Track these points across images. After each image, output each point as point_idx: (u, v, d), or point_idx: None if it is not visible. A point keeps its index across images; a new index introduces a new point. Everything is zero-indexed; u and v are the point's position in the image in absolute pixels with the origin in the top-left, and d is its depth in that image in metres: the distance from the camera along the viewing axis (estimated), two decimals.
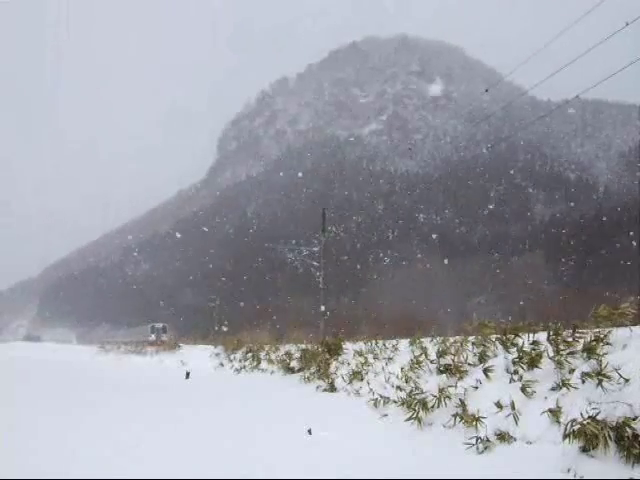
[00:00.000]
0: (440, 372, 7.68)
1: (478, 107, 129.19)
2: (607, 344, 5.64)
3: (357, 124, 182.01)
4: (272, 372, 16.21)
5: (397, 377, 8.93)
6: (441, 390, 7.22)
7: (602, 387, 5.12)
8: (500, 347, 7.46)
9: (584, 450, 4.69)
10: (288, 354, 16.09)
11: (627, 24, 10.19)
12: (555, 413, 5.33)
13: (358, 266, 74.46)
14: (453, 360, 7.83)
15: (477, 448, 5.75)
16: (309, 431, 7.14)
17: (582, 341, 6.03)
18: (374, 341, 12.47)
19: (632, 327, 6.07)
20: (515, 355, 6.70)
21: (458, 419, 6.46)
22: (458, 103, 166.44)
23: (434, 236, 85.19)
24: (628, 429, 4.44)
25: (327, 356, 12.97)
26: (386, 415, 8.08)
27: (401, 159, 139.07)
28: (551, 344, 6.37)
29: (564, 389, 5.61)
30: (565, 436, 4.90)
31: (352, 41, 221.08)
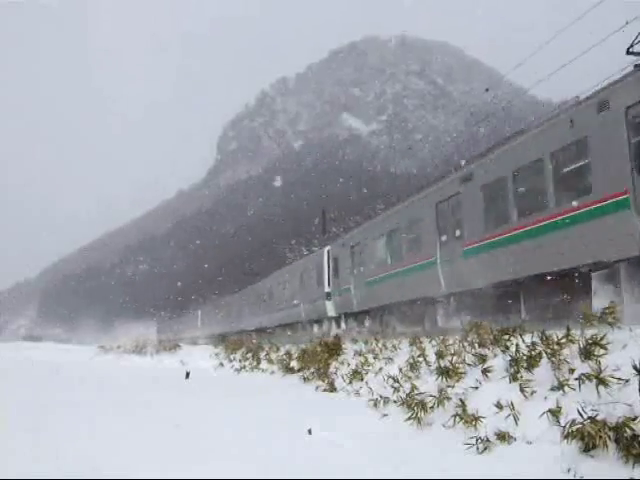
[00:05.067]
0: (439, 372, 7.67)
1: (478, 107, 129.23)
2: (603, 347, 5.64)
3: (357, 124, 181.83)
4: (272, 372, 16.21)
5: (396, 378, 8.93)
6: (440, 390, 7.23)
7: (598, 389, 5.12)
8: (498, 348, 7.45)
9: (584, 450, 4.69)
10: (288, 354, 16.09)
11: (627, 23, 10.21)
12: (555, 413, 5.32)
13: None
14: (452, 360, 7.82)
15: (477, 448, 5.75)
16: (309, 431, 7.13)
17: (579, 342, 6.01)
18: (374, 341, 12.48)
19: (632, 327, 6.08)
20: (513, 355, 6.69)
21: (458, 419, 6.46)
22: (458, 103, 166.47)
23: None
24: (627, 429, 4.44)
25: (327, 356, 12.97)
26: (386, 415, 8.08)
27: (401, 159, 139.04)
28: (544, 345, 6.36)
29: (563, 389, 5.60)
30: (565, 436, 4.90)
31: (352, 41, 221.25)
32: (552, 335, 6.46)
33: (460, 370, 7.48)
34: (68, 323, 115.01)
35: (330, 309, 20.82)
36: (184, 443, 6.67)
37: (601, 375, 5.20)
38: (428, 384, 7.87)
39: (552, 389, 5.77)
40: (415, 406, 7.23)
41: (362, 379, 10.56)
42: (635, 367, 4.81)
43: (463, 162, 14.24)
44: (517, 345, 6.85)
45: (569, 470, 4.68)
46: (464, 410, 6.48)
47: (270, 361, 17.30)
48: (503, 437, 5.72)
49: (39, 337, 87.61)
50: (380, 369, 10.31)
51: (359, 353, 12.09)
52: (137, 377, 17.51)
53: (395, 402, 8.24)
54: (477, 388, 6.80)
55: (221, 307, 40.04)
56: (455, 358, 7.90)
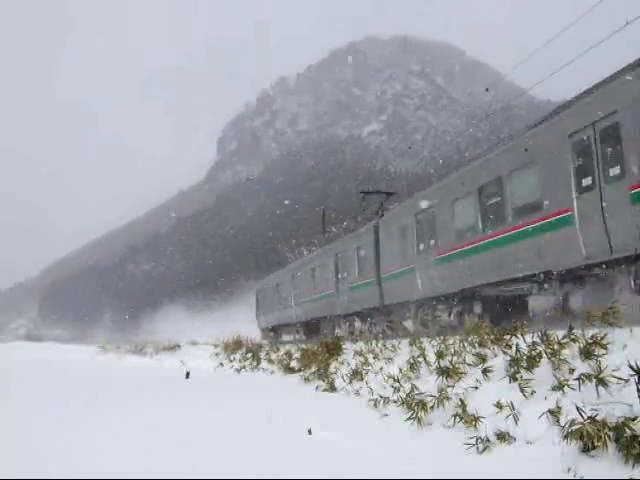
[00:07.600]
0: (439, 372, 7.67)
1: (478, 107, 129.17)
2: (604, 347, 5.63)
3: (357, 124, 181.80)
4: (272, 372, 16.20)
5: (396, 378, 8.92)
6: (440, 390, 7.22)
7: (598, 389, 5.12)
8: (498, 347, 7.45)
9: (584, 450, 4.69)
10: (288, 354, 16.09)
11: (627, 23, 10.20)
12: (555, 413, 5.32)
13: None
14: (452, 360, 7.82)
15: (477, 448, 5.74)
16: (309, 431, 7.13)
17: (579, 342, 6.01)
18: (374, 341, 12.47)
19: (632, 328, 6.07)
20: (514, 355, 6.68)
21: (458, 419, 6.45)
22: (458, 103, 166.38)
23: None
24: (627, 429, 4.44)
25: (327, 356, 12.96)
26: (386, 415, 8.08)
27: (401, 159, 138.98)
28: (545, 345, 6.36)
29: (563, 390, 5.60)
30: (564, 436, 4.90)
31: (352, 41, 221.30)
32: (552, 335, 6.46)
33: (460, 370, 7.47)
34: (71, 322, 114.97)
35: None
36: (183, 443, 6.67)
37: (601, 375, 5.20)
38: (428, 384, 7.87)
39: (552, 389, 5.77)
40: (415, 406, 7.22)
41: (362, 379, 10.55)
42: (632, 367, 4.80)
43: None
44: (517, 345, 6.85)
45: (569, 470, 4.67)
46: (464, 410, 6.48)
47: (270, 361, 17.29)
48: (503, 437, 5.72)
49: (39, 337, 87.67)
50: (380, 369, 10.31)
51: (359, 353, 12.08)
52: (137, 378, 17.52)
53: (395, 402, 8.24)
54: (477, 388, 6.79)
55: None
56: (455, 358, 7.90)
